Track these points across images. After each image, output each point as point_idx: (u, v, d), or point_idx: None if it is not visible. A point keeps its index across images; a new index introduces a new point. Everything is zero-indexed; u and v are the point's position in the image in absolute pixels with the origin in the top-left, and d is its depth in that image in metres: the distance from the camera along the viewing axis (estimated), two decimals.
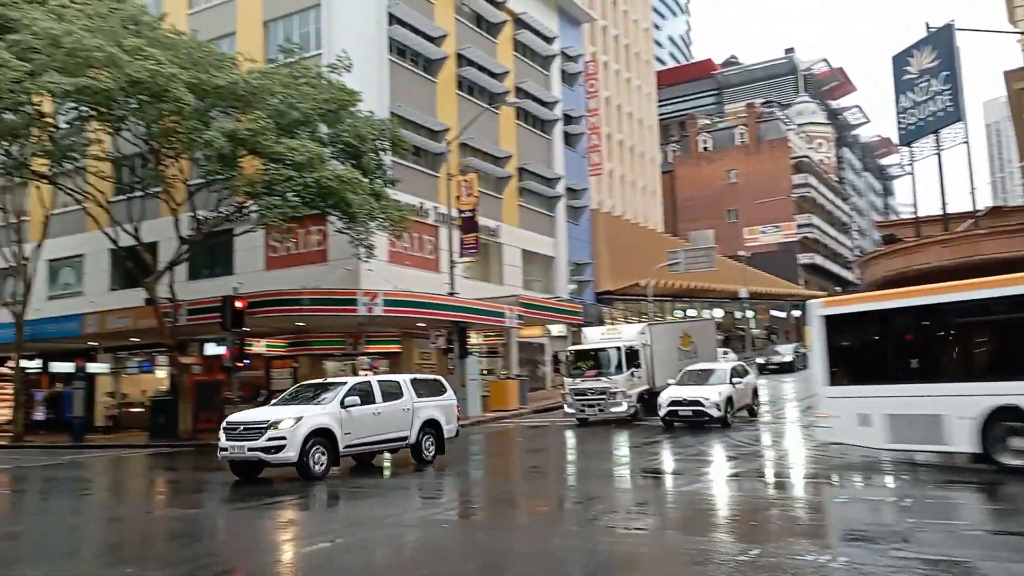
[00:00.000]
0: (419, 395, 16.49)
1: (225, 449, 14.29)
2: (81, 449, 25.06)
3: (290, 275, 26.79)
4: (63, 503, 14.68)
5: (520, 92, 36.80)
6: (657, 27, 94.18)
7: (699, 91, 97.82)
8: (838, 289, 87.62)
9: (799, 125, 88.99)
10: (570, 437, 20.75)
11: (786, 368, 39.91)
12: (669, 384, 22.25)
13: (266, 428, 13.93)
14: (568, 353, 25.20)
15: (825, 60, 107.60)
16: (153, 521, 11.91)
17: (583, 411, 23.24)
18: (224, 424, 14.65)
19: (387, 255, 27.63)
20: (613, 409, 22.70)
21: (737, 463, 14.69)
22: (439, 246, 30.33)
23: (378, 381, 16.23)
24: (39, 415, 32.17)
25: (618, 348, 23.39)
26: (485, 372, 31.22)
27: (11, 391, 29.82)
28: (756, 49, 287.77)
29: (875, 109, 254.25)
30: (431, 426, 16.52)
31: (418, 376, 18.06)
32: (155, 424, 26.57)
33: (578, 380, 23.48)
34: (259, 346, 28.13)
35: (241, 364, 23.47)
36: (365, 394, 15.36)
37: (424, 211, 29.86)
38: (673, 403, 20.48)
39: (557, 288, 39.09)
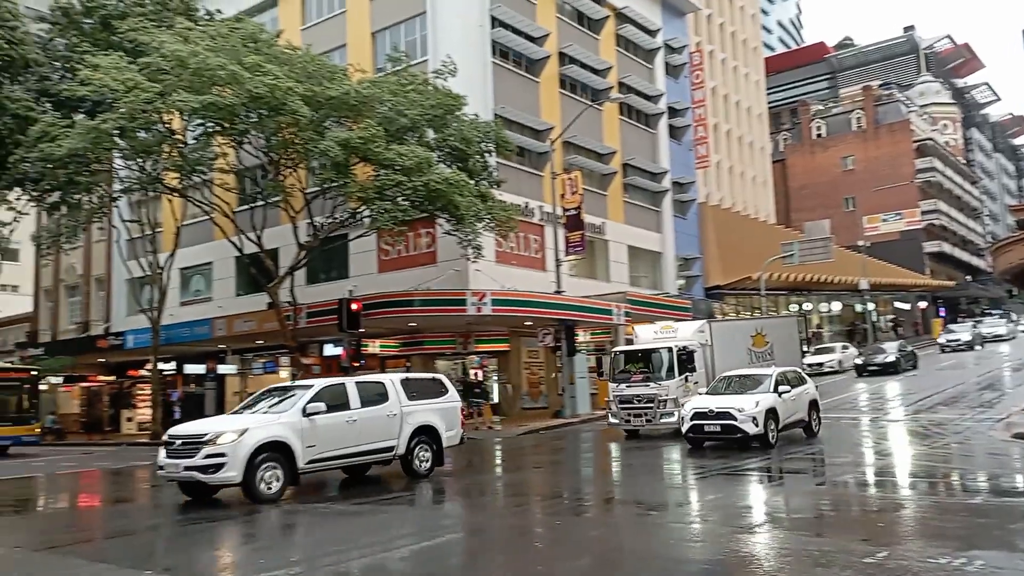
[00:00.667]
0: (411, 398, 14.50)
1: (162, 467, 12.73)
2: None
3: (401, 277, 27.56)
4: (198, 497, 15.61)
5: (623, 87, 36.46)
6: (765, 12, 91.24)
7: (811, 76, 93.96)
8: (968, 278, 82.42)
9: (921, 107, 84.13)
10: (613, 447, 19.45)
11: (889, 370, 34.74)
12: (700, 393, 19.12)
13: (203, 443, 12.18)
14: (613, 354, 22.26)
15: (949, 37, 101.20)
16: (283, 514, 12.48)
17: (629, 421, 20.39)
18: (164, 437, 13.13)
19: (494, 255, 27.97)
20: (663, 420, 19.74)
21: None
22: (545, 245, 30.43)
23: (356, 383, 14.21)
24: (176, 414, 34.36)
25: (669, 349, 20.48)
26: (593, 370, 31.13)
27: (150, 392, 31.99)
28: (872, 29, 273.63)
29: (1006, 86, 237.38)
30: (426, 433, 14.49)
31: (411, 375, 16.32)
32: None
33: (623, 385, 20.58)
34: (374, 346, 29.08)
35: (357, 364, 24.31)
36: (336, 399, 13.42)
37: (529, 211, 30.04)
38: (698, 416, 16.94)
39: (665, 284, 38.54)
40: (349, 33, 31.62)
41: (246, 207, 28.23)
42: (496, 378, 29.99)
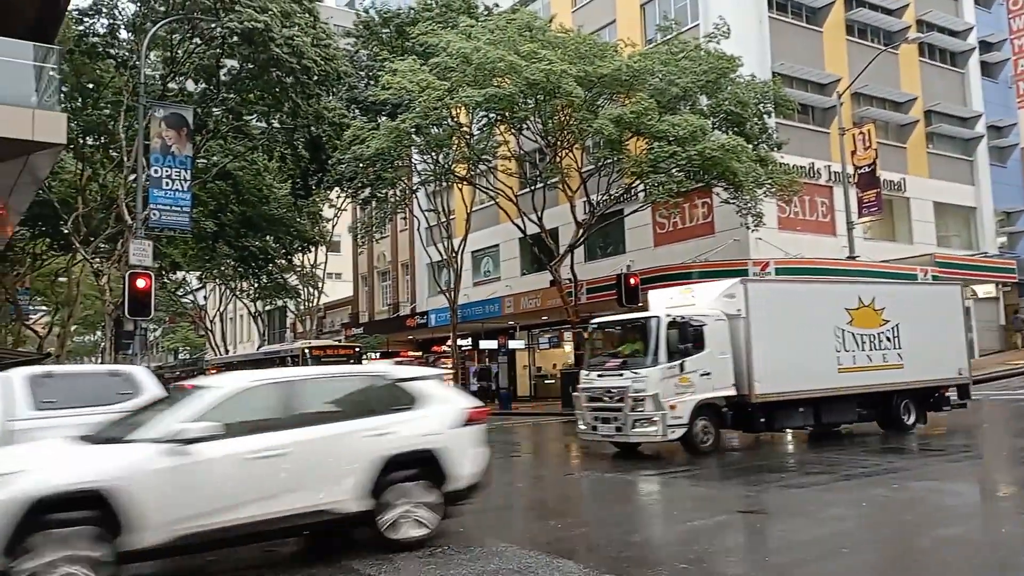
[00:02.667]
0: (43, 406, 8.97)
1: None
2: (508, 416, 28.46)
3: (678, 250, 27.29)
4: (496, 463, 16.81)
5: (922, 25, 32.59)
6: None
7: None
8: None
9: None
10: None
11: None
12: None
13: None
14: (590, 329, 16.23)
15: None
16: (571, 481, 13.05)
17: (596, 428, 14.41)
18: None
19: (776, 222, 26.69)
20: (638, 428, 13.59)
21: None
22: (834, 207, 28.35)
23: None
24: (473, 386, 37.23)
25: (657, 319, 14.12)
26: None
27: (451, 366, 34.96)
28: None
29: None
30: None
31: (57, 369, 10.15)
32: (566, 394, 29.07)
33: (595, 375, 14.65)
34: None
35: None
36: None
37: (815, 172, 28.18)
38: None
39: (982, 243, 34.08)
40: (618, 8, 31.68)
41: (527, 190, 29.50)
42: None
